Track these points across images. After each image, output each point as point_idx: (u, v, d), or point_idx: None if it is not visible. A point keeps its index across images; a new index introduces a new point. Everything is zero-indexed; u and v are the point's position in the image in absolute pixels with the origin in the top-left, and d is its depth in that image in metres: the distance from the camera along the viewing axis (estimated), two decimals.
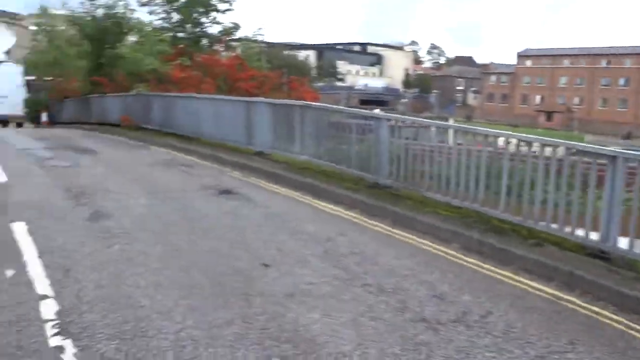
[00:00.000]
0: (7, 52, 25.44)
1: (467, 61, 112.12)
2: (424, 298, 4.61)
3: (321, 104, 10.29)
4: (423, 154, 7.66)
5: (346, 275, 5.03)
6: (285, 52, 75.55)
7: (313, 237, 6.24)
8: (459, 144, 7.18)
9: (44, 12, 30.21)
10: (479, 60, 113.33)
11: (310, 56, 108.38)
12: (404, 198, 7.76)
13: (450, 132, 7.59)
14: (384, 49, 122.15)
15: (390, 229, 6.78)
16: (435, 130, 8.45)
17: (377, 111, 9.75)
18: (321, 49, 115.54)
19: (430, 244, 6.24)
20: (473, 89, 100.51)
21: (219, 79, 17.24)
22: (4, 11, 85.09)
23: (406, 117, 9.31)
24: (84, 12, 21.19)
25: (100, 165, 10.23)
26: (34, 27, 41.59)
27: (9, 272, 4.56)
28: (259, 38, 21.33)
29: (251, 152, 11.68)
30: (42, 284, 4.37)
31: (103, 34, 20.95)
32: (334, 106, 9.68)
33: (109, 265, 4.91)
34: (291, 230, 6.47)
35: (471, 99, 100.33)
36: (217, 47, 20.22)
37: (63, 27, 31.86)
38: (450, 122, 34.66)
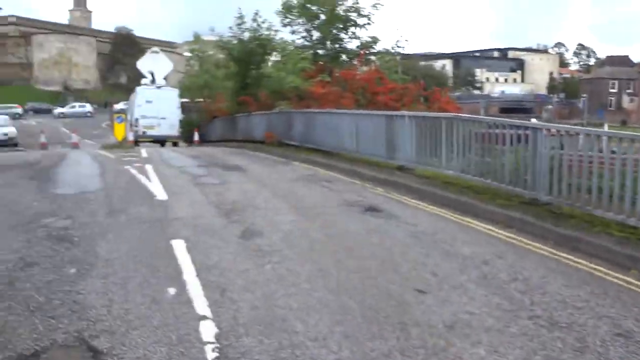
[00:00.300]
0: (165, 78, 27.84)
1: (621, 61, 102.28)
2: (606, 336, 3.99)
3: (470, 116, 9.77)
4: (589, 166, 6.87)
5: (510, 305, 4.54)
6: (422, 63, 74.64)
7: (468, 260, 5.80)
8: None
9: (196, 39, 32.94)
10: (635, 59, 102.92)
11: (447, 65, 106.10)
12: (566, 216, 7.01)
13: (620, 140, 6.70)
14: (526, 53, 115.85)
15: (553, 251, 6.12)
16: (599, 138, 7.54)
17: (533, 120, 9.00)
18: (458, 57, 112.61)
19: (604, 270, 5.51)
20: (628, 91, 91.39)
21: (357, 93, 17.30)
22: (163, 40, 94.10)
23: (566, 125, 8.45)
24: (231, 37, 22.55)
25: (247, 182, 10.60)
26: (187, 54, 45.60)
27: (172, 291, 4.72)
28: (398, 50, 21.13)
29: (392, 167, 11.43)
30: (200, 303, 4.45)
31: (249, 56, 22.09)
32: (484, 117, 9.09)
33: (262, 285, 4.91)
34: (443, 252, 6.09)
35: (626, 102, 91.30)
36: (356, 61, 20.33)
37: (212, 52, 34.48)
38: (605, 128, 31.63)
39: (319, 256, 5.82)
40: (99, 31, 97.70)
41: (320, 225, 7.19)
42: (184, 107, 27.93)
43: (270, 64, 21.48)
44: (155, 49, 30.13)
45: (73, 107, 65.11)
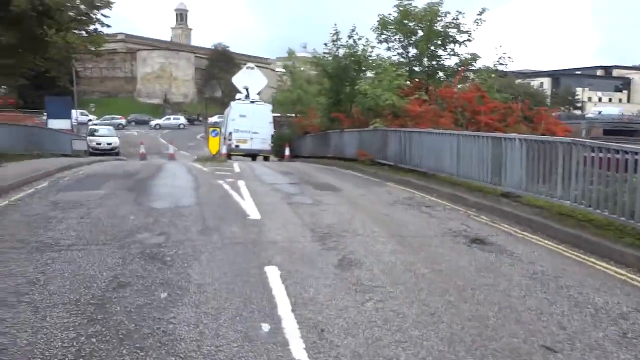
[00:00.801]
0: (259, 93, 28.25)
1: None
2: None
3: (593, 141, 8.72)
4: None
5: None
6: (518, 81, 71.53)
7: (602, 312, 4.95)
8: None
9: (290, 55, 33.34)
10: None
11: (545, 84, 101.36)
12: None
13: None
14: (633, 71, 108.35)
15: None
16: None
17: None
18: (557, 76, 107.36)
19: None
20: None
21: (456, 112, 16.45)
22: (256, 56, 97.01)
23: None
24: (326, 53, 22.42)
25: (342, 203, 10.12)
26: (279, 69, 46.52)
27: (266, 327, 4.29)
28: (501, 68, 20.03)
29: (497, 193, 10.56)
30: (297, 346, 3.98)
31: (343, 72, 21.84)
32: (611, 144, 8.05)
33: (365, 328, 4.36)
34: (570, 299, 5.26)
35: None
36: (454, 79, 19.46)
37: (304, 68, 34.76)
38: None
39: (427, 296, 5.18)
40: (198, 47, 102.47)
41: (425, 257, 6.54)
42: (275, 122, 28.16)
43: (365, 80, 21.08)
44: (251, 65, 30.73)
45: (168, 119, 68.37)
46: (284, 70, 63.62)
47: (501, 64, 20.04)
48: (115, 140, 34.16)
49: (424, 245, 7.17)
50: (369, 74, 22.19)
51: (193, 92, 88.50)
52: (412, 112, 16.16)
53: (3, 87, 29.95)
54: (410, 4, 20.57)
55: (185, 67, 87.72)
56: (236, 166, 17.90)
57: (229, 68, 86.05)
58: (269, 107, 27.18)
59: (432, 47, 20.72)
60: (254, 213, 8.68)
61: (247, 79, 27.66)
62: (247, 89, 26.96)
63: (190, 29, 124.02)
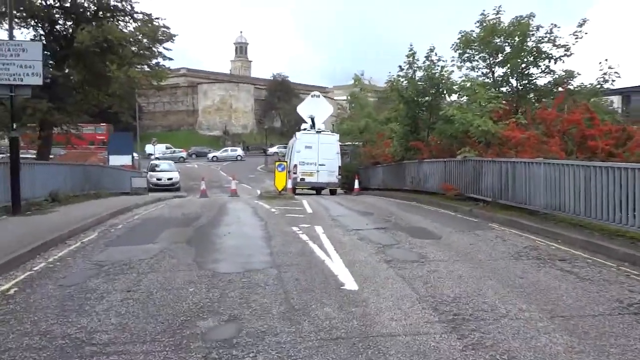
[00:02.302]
0: (325, 122, 26.49)
1: None
2: None
3: None
4: None
5: None
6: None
7: None
8: None
9: (357, 81, 31.55)
10: None
11: (614, 102, 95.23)
12: None
13: None
14: None
15: None
16: None
17: None
18: (627, 93, 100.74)
19: None
20: None
21: (563, 137, 13.96)
22: (315, 85, 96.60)
23: None
24: (401, 75, 20.40)
25: (454, 259, 7.87)
26: (337, 98, 45.03)
27: None
28: (607, 86, 17.33)
29: None
30: None
31: (421, 96, 19.76)
32: None
33: None
34: None
35: None
36: (552, 100, 16.92)
37: (371, 94, 32.85)
38: None
39: None
40: (257, 78, 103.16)
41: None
42: (342, 152, 26.17)
43: (449, 105, 18.89)
44: (316, 93, 29.10)
45: (225, 150, 68.12)
46: (344, 98, 62.34)
47: (606, 80, 17.34)
48: (175, 175, 33.26)
49: (603, 334, 4.84)
50: (450, 97, 20.01)
51: (252, 123, 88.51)
52: (513, 138, 13.76)
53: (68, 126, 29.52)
54: (497, 19, 18.26)
55: (244, 98, 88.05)
56: (306, 205, 15.95)
57: (288, 98, 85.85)
58: (336, 136, 25.26)
59: (523, 66, 18.26)
60: (348, 280, 6.56)
61: (313, 108, 25.92)
62: (312, 118, 25.19)
63: (250, 61, 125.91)
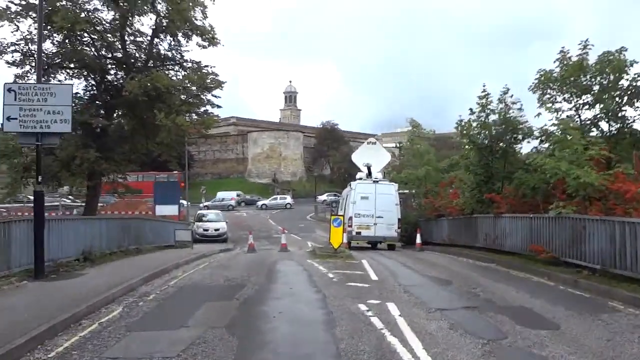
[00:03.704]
0: (382, 171, 24.46)
1: None
2: None
3: None
4: None
5: None
6: None
7: None
8: None
9: (415, 126, 29.58)
10: None
11: None
12: None
13: None
14: None
15: None
16: None
17: None
18: None
19: None
20: None
21: None
22: (363, 132, 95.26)
23: None
24: (473, 120, 18.26)
25: None
26: (387, 145, 43.13)
27: None
28: None
29: None
30: None
31: (495, 142, 17.56)
32: None
33: None
34: None
35: None
36: None
37: (426, 141, 30.74)
38: None
39: None
40: (306, 127, 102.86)
41: None
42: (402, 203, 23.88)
43: (527, 153, 16.66)
44: (372, 140, 27.31)
45: (275, 199, 66.91)
46: (392, 145, 60.37)
47: None
48: (222, 226, 31.71)
49: None
50: (526, 143, 17.72)
51: (301, 171, 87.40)
52: (625, 193, 11.28)
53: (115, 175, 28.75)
54: (584, 54, 16.01)
55: (294, 146, 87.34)
56: (368, 267, 13.73)
57: (337, 145, 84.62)
58: (395, 186, 23.06)
59: (617, 106, 15.81)
60: None
61: (369, 156, 23.93)
62: (369, 167, 23.17)
63: (299, 110, 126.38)
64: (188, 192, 50.07)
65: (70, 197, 52.14)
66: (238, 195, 68.94)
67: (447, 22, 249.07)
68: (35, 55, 12.74)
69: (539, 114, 16.40)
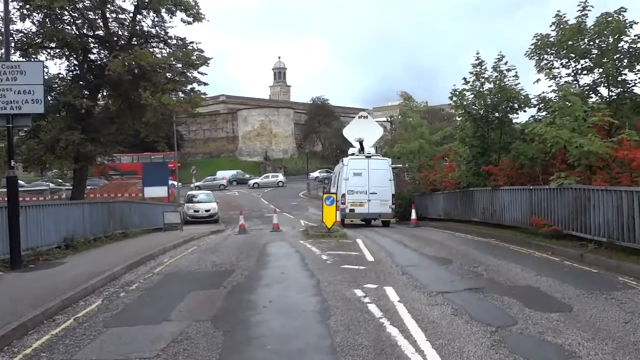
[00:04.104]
0: (374, 145, 23.80)
1: None
2: None
3: None
4: None
5: None
6: None
7: None
8: None
9: (407, 99, 28.86)
10: None
11: None
12: None
13: None
14: None
15: None
16: None
17: None
18: None
19: None
20: None
21: None
22: (353, 107, 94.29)
23: None
24: (466, 90, 17.56)
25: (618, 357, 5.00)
26: (378, 120, 42.42)
27: None
28: None
29: None
30: None
31: (490, 112, 16.93)
32: None
33: None
34: None
35: None
36: None
37: (418, 114, 30.07)
38: None
39: None
40: (296, 103, 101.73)
41: None
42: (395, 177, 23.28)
43: (528, 120, 16.03)
44: (364, 113, 26.48)
45: (267, 177, 66.26)
46: (383, 119, 59.62)
47: None
48: (213, 207, 31.06)
49: None
50: (525, 112, 17.10)
51: (293, 148, 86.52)
52: (632, 161, 10.72)
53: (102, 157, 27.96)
54: (583, 16, 15.30)
55: (284, 123, 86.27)
56: (363, 247, 13.18)
57: (328, 121, 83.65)
58: (388, 161, 22.39)
59: (620, 70, 15.17)
60: None
61: (361, 130, 23.20)
62: (361, 142, 22.47)
63: (289, 86, 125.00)
64: (179, 172, 49.31)
65: (59, 180, 51.40)
66: (238, 173, 68.92)
67: None
68: (3, 30, 11.83)
69: (538, 80, 15.76)
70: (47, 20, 24.28)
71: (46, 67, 47.94)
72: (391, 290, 7.77)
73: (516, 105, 16.94)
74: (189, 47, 27.55)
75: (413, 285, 8.19)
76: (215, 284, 8.98)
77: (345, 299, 7.40)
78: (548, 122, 12.82)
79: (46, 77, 24.93)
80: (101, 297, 8.34)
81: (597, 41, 15.42)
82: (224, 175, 67.23)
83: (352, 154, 22.69)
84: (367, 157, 21.95)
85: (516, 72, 17.05)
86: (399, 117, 31.90)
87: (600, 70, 15.06)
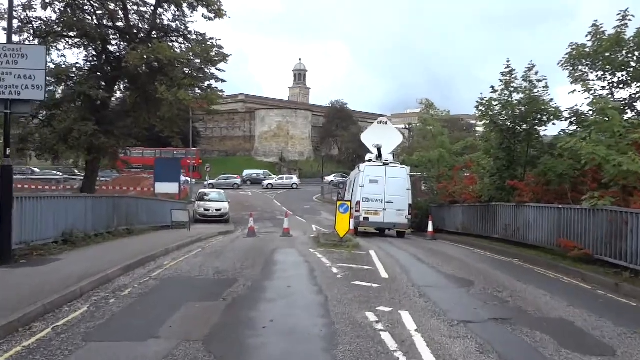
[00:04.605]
0: (392, 152, 22.95)
1: None
2: None
3: None
4: None
5: None
6: None
7: None
8: None
9: (428, 106, 27.98)
10: None
11: None
12: None
13: None
14: None
15: None
16: None
17: None
18: None
19: None
20: None
21: None
22: (373, 113, 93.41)
23: None
24: (494, 100, 16.67)
25: None
26: (396, 127, 41.53)
27: None
28: None
29: None
30: None
31: (518, 124, 16.04)
32: None
33: None
34: None
35: None
36: None
37: (438, 123, 29.13)
38: None
39: None
40: (315, 105, 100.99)
41: None
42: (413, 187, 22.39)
43: (558, 134, 15.12)
44: (383, 119, 25.65)
45: (281, 178, 65.69)
46: (402, 127, 58.61)
47: None
48: (224, 206, 30.40)
49: None
50: (554, 125, 16.16)
51: (309, 150, 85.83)
52: None
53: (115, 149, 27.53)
54: (623, 26, 14.37)
55: (302, 125, 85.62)
56: (376, 261, 12.35)
57: (346, 125, 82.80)
58: (407, 169, 21.53)
59: None
60: None
61: (380, 136, 22.33)
62: (379, 148, 21.63)
63: (309, 89, 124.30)
64: (191, 169, 48.83)
65: (75, 170, 51.29)
66: (264, 174, 68.57)
67: (459, 2, 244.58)
68: (7, 10, 11.25)
69: (573, 91, 14.81)
70: (68, 9, 23.95)
71: (64, 56, 47.79)
72: (407, 316, 6.95)
73: (545, 118, 16.01)
74: (208, 43, 27.01)
75: (432, 311, 7.35)
76: (214, 294, 8.23)
77: (356, 323, 6.59)
78: (583, 137, 11.89)
79: (63, 66, 24.62)
80: (89, 302, 7.63)
81: (636, 53, 14.47)
82: (250, 173, 67.22)
83: (369, 161, 21.87)
84: (384, 164, 21.11)
85: (546, 83, 16.16)
86: (418, 124, 30.95)
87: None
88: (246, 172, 68.10)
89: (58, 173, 51.00)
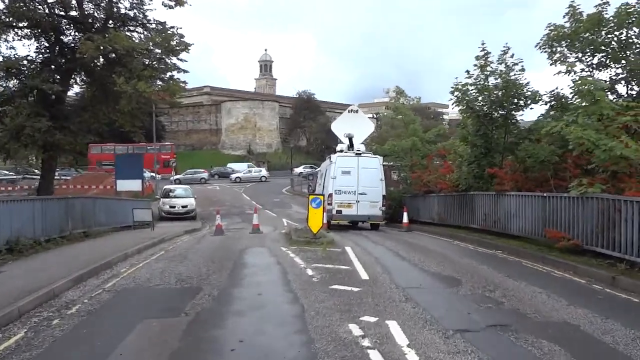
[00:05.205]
0: (364, 142, 22.13)
1: None
2: None
3: None
4: None
5: None
6: None
7: None
8: None
9: (399, 93, 27.27)
10: None
11: None
12: None
13: None
14: None
15: None
16: None
17: None
18: None
19: None
20: None
21: None
22: (340, 103, 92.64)
23: None
24: (470, 84, 15.98)
25: None
26: (366, 115, 40.99)
27: None
28: None
29: None
30: None
31: (495, 109, 15.39)
32: None
33: None
34: None
35: None
36: None
37: (409, 111, 28.52)
38: None
39: None
40: (282, 96, 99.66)
41: None
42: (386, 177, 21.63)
43: (539, 118, 14.51)
44: (354, 107, 24.75)
45: (249, 171, 64.34)
46: (369, 116, 58.03)
47: None
48: (191, 202, 29.16)
49: None
50: (531, 109, 15.59)
51: (277, 142, 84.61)
52: None
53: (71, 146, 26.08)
54: (604, 4, 13.79)
55: (269, 117, 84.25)
56: (354, 258, 11.52)
57: (314, 116, 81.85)
58: (379, 159, 20.72)
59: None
60: None
61: (351, 125, 21.48)
62: (350, 138, 20.78)
63: (275, 79, 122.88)
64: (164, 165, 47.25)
65: (35, 170, 49.04)
66: (249, 167, 67.00)
67: None
68: None
69: (559, 72, 14.13)
70: None
71: (14, 48, 45.35)
72: (396, 327, 6.11)
73: (522, 102, 15.39)
74: (168, 32, 25.72)
75: (422, 320, 6.51)
76: (175, 308, 7.24)
77: (338, 339, 5.70)
78: (570, 121, 11.22)
79: (13, 59, 23.05)
80: (27, 325, 6.56)
81: (616, 33, 13.93)
82: (236, 167, 65.65)
83: (341, 151, 21.00)
84: (357, 154, 20.28)
85: (522, 66, 15.53)
86: (387, 113, 30.28)
87: (621, 65, 13.53)
88: (229, 165, 66.91)
89: (10, 173, 48.64)
